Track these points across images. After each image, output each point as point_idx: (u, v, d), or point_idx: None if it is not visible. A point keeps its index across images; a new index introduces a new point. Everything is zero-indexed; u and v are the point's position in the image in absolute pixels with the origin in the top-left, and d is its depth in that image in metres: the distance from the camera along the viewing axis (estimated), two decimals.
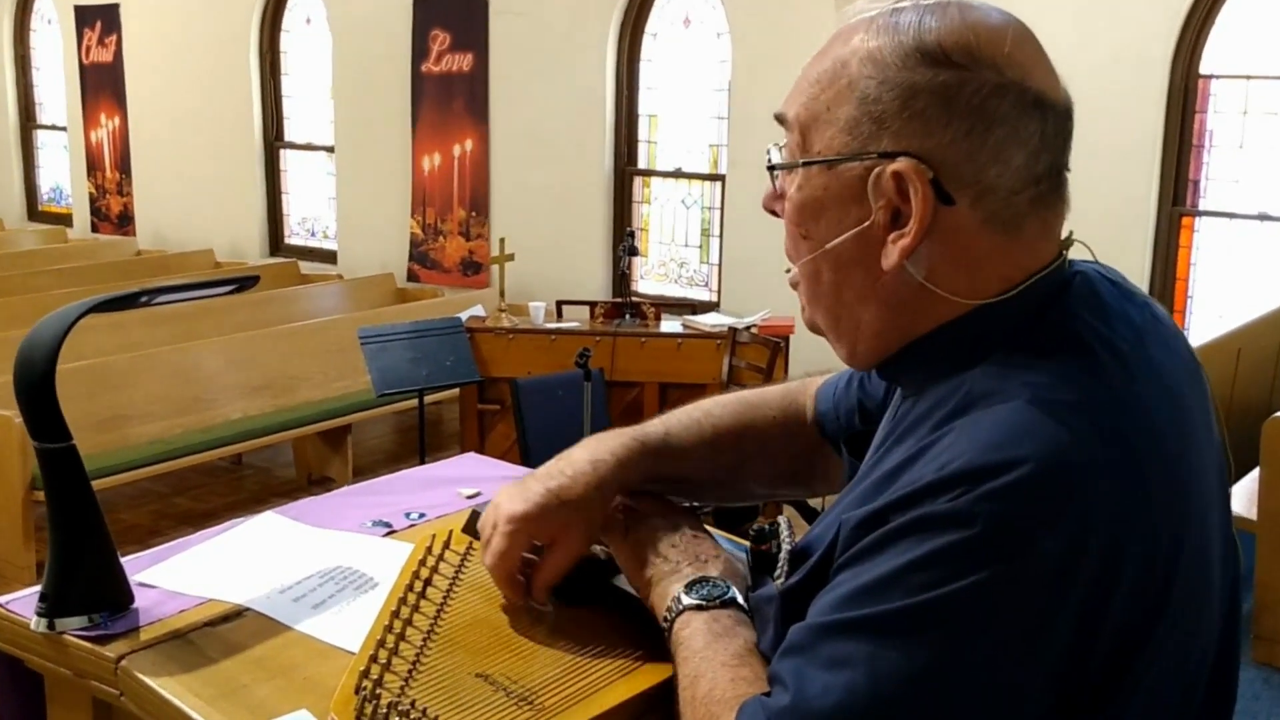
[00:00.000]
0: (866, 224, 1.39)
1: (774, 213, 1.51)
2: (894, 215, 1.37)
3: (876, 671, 1.23)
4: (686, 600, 1.56)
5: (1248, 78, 8.18)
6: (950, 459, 1.25)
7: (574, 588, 1.73)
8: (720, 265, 10.36)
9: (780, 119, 1.47)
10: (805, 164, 1.43)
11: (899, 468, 1.32)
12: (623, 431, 1.78)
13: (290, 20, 13.13)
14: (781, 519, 1.63)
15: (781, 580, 1.49)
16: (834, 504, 1.48)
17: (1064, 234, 1.44)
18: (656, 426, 1.81)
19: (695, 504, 1.83)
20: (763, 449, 1.86)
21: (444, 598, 1.73)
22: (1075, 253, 1.47)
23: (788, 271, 1.53)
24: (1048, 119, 1.36)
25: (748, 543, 1.67)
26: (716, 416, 1.85)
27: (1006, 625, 1.21)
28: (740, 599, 1.56)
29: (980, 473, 1.22)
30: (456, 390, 8.39)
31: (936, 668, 1.22)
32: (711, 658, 1.46)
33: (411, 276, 11.93)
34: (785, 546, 1.56)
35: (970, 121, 1.33)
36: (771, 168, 1.49)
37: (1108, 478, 1.23)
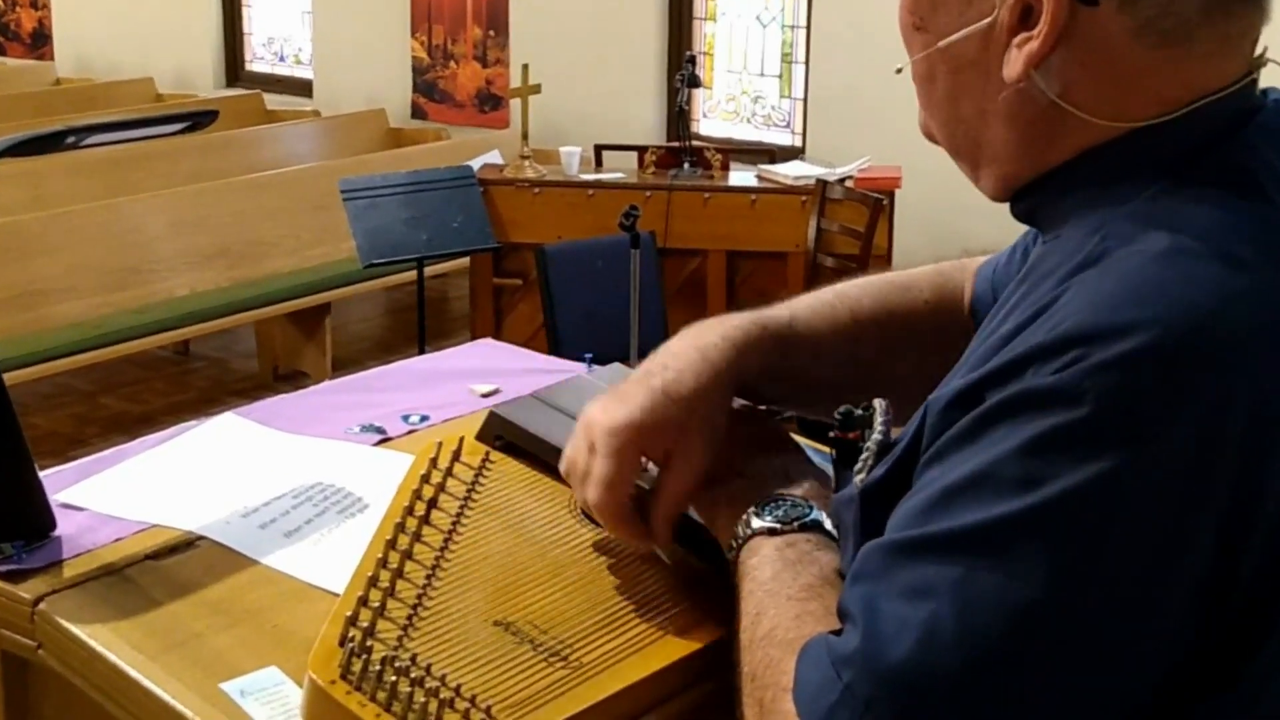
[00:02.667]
0: (989, 20, 1.39)
1: None
2: (1024, 13, 1.37)
3: (965, 601, 1.21)
4: (757, 523, 1.55)
5: None
6: (1061, 319, 1.24)
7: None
8: (806, 101, 10.30)
9: None
10: None
11: (1014, 331, 1.31)
12: (729, 317, 1.75)
13: None
14: (878, 402, 1.61)
15: (863, 475, 1.48)
16: (943, 381, 1.47)
17: (1258, 51, 1.41)
18: (778, 311, 1.79)
19: (776, 409, 1.82)
20: (914, 342, 1.85)
21: (453, 524, 1.73)
22: (1272, 78, 1.44)
23: (898, 70, 1.53)
24: None
25: (832, 433, 1.66)
26: (854, 299, 1.84)
27: (1130, 534, 1.20)
28: (827, 523, 1.55)
29: (1092, 337, 1.21)
30: (466, 260, 8.40)
31: (1041, 593, 1.20)
32: (777, 591, 1.46)
33: (417, 112, 11.90)
34: (876, 435, 1.55)
35: None
36: None
37: (1258, 348, 1.22)
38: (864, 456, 1.52)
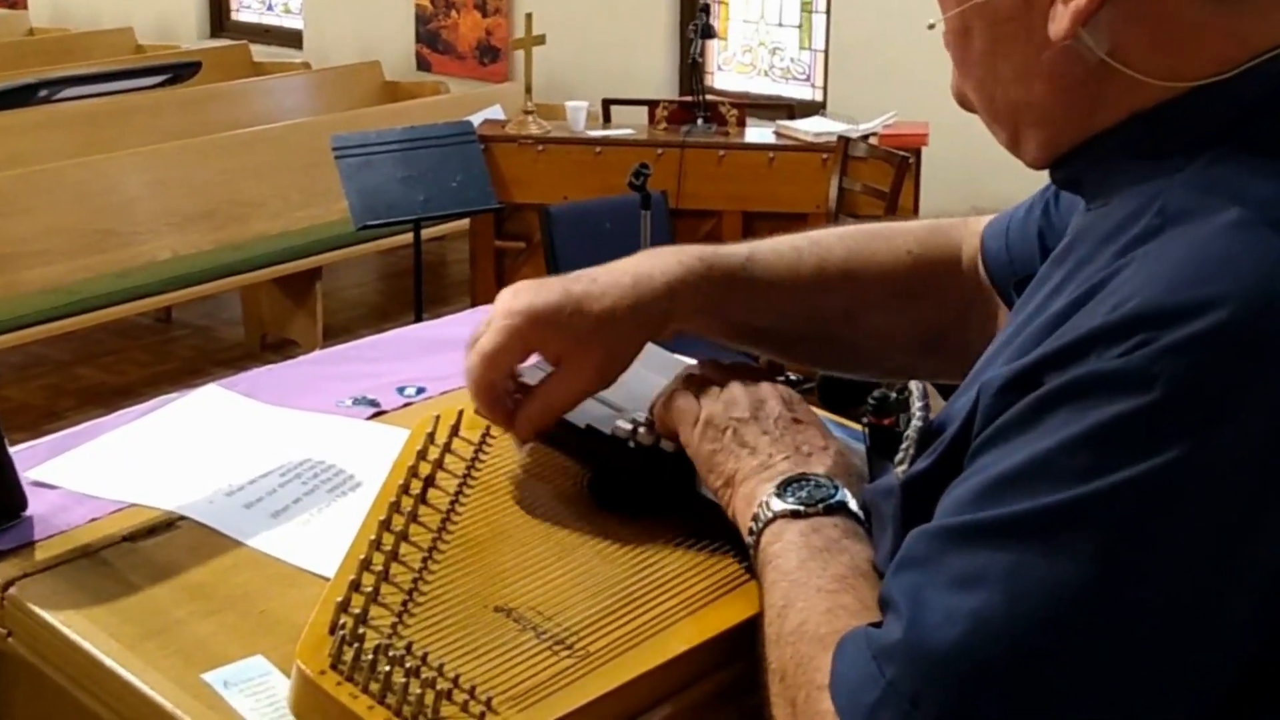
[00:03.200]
0: None
1: None
2: None
3: (1017, 591, 1.21)
4: (778, 505, 1.54)
5: None
6: (1125, 298, 1.23)
7: (634, 494, 1.72)
8: (827, 52, 10.31)
9: None
10: None
11: (1068, 309, 1.30)
12: (686, 248, 1.79)
13: None
14: (914, 385, 1.60)
15: (904, 466, 1.47)
16: (983, 360, 1.46)
17: None
18: (738, 248, 1.83)
19: (794, 376, 1.81)
20: (887, 293, 1.86)
21: (452, 503, 1.73)
22: None
23: (931, 26, 1.52)
24: None
25: (865, 418, 1.65)
26: (825, 246, 1.85)
27: (1192, 527, 1.19)
28: (852, 504, 1.55)
29: (1161, 317, 1.20)
30: (466, 222, 8.40)
31: (1097, 585, 1.19)
32: (805, 581, 1.44)
33: (422, 64, 11.90)
34: (915, 422, 1.54)
35: None
36: None
37: None
38: (904, 445, 1.51)
